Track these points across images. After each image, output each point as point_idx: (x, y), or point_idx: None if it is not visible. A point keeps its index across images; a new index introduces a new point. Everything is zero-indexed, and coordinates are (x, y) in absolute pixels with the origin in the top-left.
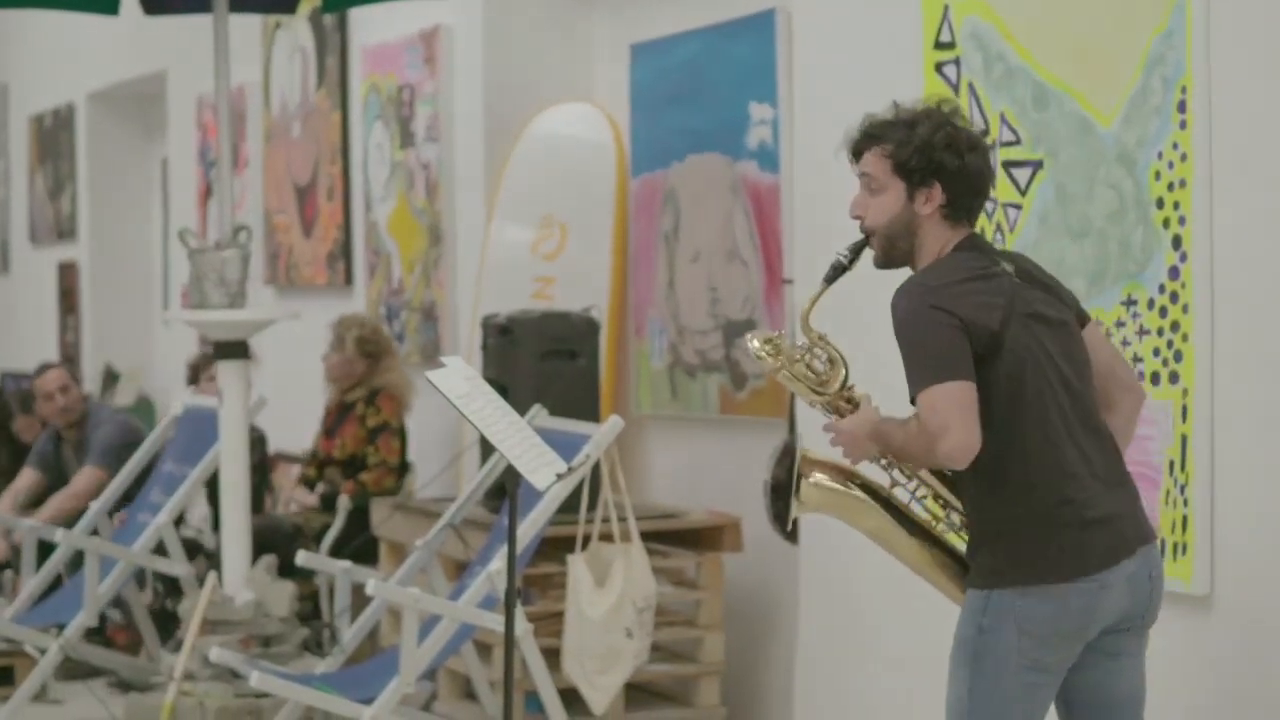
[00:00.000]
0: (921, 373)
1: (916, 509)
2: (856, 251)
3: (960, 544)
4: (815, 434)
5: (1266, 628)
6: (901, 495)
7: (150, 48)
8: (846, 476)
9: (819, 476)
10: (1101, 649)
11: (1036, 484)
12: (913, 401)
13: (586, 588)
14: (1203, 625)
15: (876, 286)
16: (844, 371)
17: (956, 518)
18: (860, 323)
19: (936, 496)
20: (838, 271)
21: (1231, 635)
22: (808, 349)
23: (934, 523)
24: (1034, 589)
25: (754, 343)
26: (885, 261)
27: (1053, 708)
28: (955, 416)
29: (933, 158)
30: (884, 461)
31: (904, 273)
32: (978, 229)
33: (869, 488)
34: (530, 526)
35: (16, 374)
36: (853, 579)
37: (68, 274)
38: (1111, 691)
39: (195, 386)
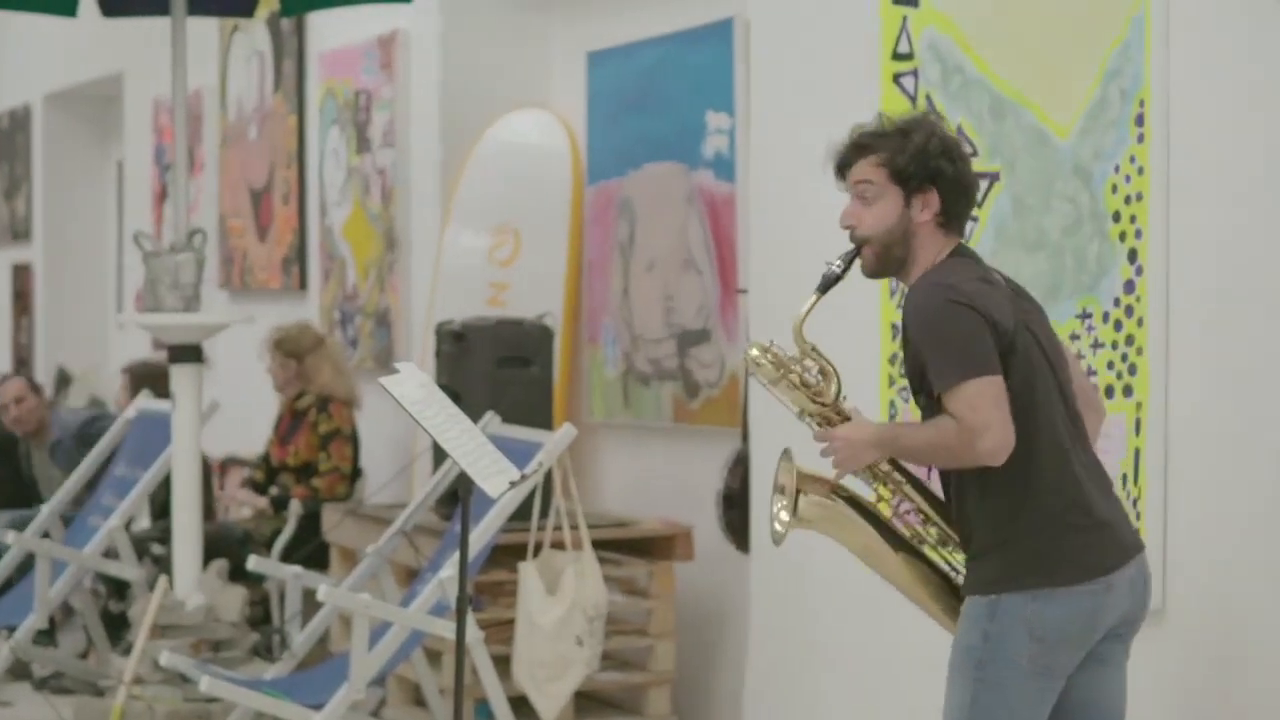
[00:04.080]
0: (953, 368)
1: (899, 525)
2: (849, 261)
3: (939, 558)
4: (776, 445)
5: (1218, 642)
6: (884, 511)
7: (108, 50)
8: (834, 491)
9: (812, 492)
10: (1092, 654)
11: (1048, 488)
12: (935, 399)
13: (537, 595)
14: (1155, 639)
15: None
16: (836, 383)
17: (934, 532)
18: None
19: (918, 510)
20: (830, 281)
21: (1184, 649)
22: (799, 360)
23: (915, 537)
24: (1044, 592)
25: (754, 350)
26: (877, 270)
27: None
28: (995, 413)
29: (929, 164)
30: (868, 474)
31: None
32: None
33: (855, 502)
34: (482, 534)
35: None
36: (803, 588)
37: (22, 275)
38: (1097, 699)
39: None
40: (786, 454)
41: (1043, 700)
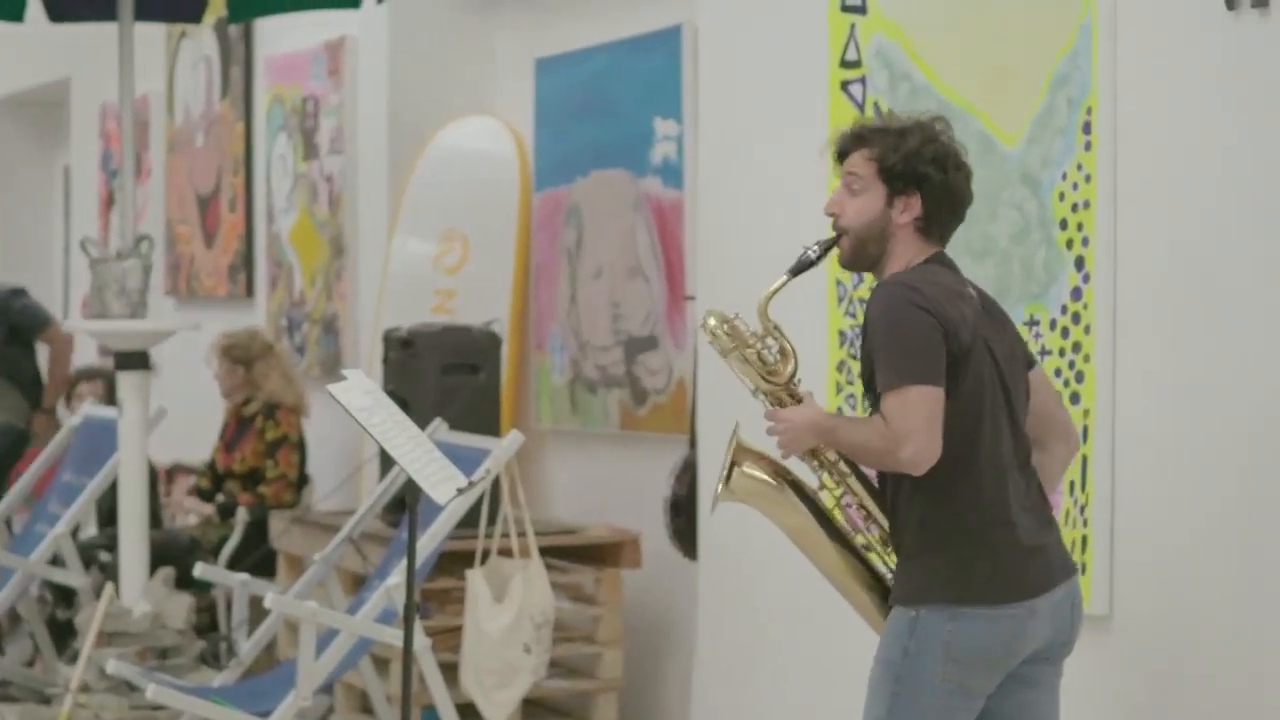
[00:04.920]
0: (896, 370)
1: (839, 516)
2: (826, 249)
3: (875, 559)
4: (718, 452)
5: (1165, 648)
6: (827, 500)
7: (54, 55)
8: (777, 472)
9: (750, 467)
10: (1020, 677)
11: (982, 504)
12: (876, 397)
13: (485, 603)
14: (1102, 645)
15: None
16: (793, 364)
17: (876, 531)
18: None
19: (860, 506)
20: (804, 265)
21: (1131, 656)
22: (761, 337)
23: (853, 533)
24: (964, 610)
25: (710, 320)
26: (852, 262)
27: None
28: (923, 422)
29: (918, 169)
30: (815, 462)
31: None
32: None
33: (798, 486)
34: (429, 541)
35: None
36: (751, 596)
37: None
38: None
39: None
40: (737, 427)
41: (957, 718)
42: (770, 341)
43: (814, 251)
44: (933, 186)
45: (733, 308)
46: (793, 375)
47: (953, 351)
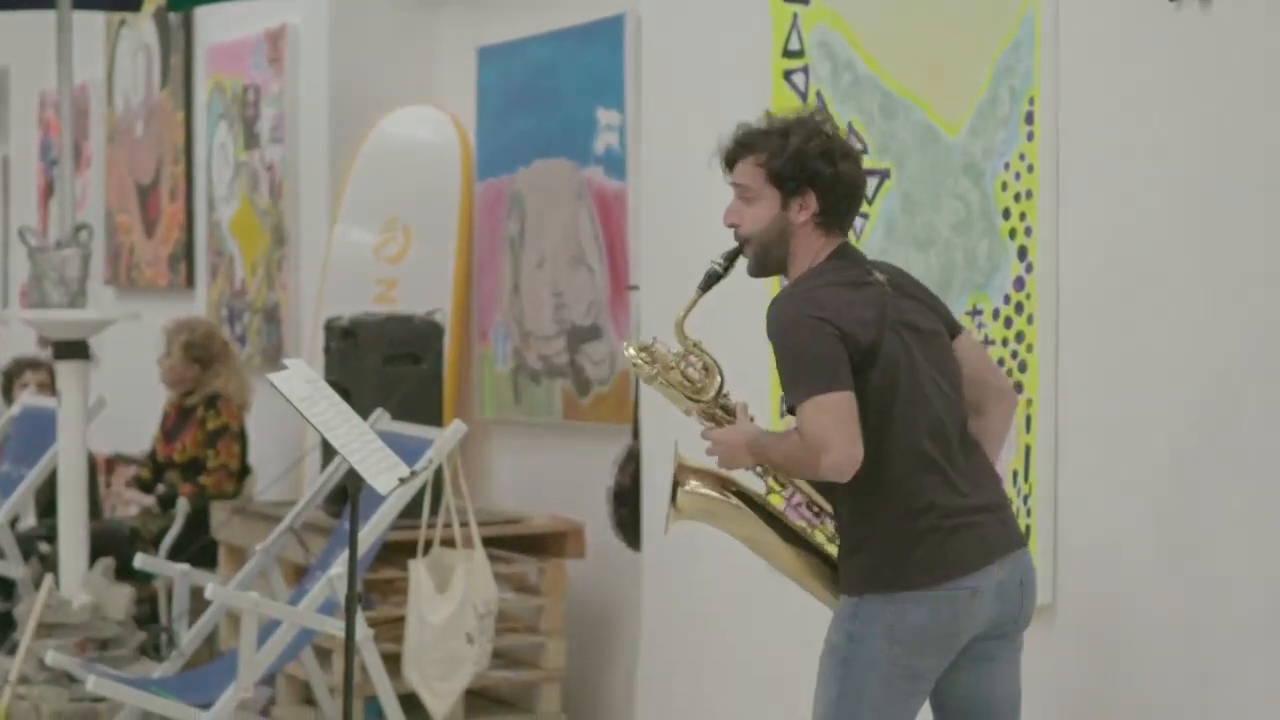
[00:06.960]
0: (802, 383)
1: (793, 516)
2: (731, 259)
3: (834, 551)
4: (666, 442)
5: (1108, 637)
6: (778, 502)
7: None
8: (723, 484)
9: (695, 484)
10: (974, 654)
11: (901, 491)
12: (791, 411)
13: (428, 593)
14: (1045, 635)
15: (747, 295)
16: (719, 379)
17: (830, 524)
18: (729, 330)
19: (811, 503)
20: (712, 279)
21: (1074, 645)
22: (682, 356)
23: (809, 530)
24: (899, 595)
25: (630, 350)
26: (759, 269)
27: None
28: (837, 429)
29: (806, 166)
30: (759, 468)
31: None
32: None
33: (745, 495)
34: (371, 531)
35: None
36: (695, 586)
37: None
38: (986, 696)
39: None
40: (676, 445)
41: (907, 702)
42: (693, 359)
43: (720, 265)
44: (825, 181)
45: (675, 298)
46: (720, 390)
47: (855, 353)
